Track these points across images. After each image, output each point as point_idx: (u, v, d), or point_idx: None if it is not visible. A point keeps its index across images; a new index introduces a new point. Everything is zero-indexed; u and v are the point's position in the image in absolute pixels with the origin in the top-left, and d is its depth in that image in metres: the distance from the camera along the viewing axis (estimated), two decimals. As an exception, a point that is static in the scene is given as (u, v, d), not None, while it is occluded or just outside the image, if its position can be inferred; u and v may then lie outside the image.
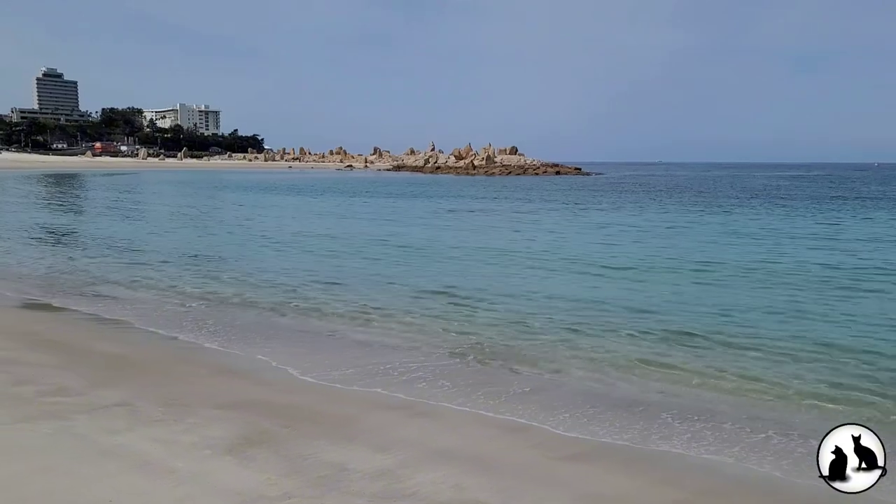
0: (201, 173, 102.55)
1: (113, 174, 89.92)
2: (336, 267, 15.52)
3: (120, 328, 9.55)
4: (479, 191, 57.63)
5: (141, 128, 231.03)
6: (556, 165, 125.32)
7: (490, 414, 6.37)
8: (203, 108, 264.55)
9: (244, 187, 60.99)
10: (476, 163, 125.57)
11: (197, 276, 14.01)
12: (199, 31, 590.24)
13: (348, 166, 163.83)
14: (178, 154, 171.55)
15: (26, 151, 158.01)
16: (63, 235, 22.09)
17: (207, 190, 57.05)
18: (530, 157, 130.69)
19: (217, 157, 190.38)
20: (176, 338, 9.19)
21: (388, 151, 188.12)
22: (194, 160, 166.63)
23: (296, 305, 11.27)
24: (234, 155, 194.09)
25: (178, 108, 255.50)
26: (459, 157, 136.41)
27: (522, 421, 6.19)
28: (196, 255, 17.33)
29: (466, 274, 14.72)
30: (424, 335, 9.32)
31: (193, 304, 11.29)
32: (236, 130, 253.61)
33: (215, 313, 10.63)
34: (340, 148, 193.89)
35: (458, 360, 8.13)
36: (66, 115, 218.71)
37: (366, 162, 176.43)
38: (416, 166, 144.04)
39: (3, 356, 7.50)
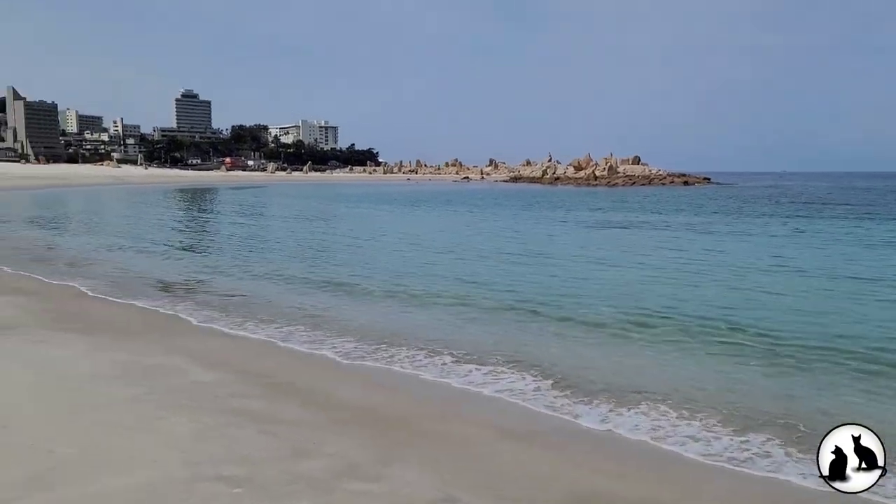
0: (330, 186, 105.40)
1: (253, 187, 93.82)
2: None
3: (355, 368, 7.94)
4: (620, 203, 54.66)
5: (266, 143, 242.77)
6: (684, 175, 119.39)
7: None
8: (323, 123, 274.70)
9: (381, 200, 61.22)
10: (597, 173, 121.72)
11: (412, 302, 12.43)
12: (318, 49, 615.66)
13: (465, 178, 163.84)
14: (304, 168, 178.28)
15: (165, 167, 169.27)
16: (256, 250, 21.57)
17: (359, 204, 57.38)
18: (654, 167, 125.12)
19: (338, 170, 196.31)
20: (418, 376, 7.52)
21: (504, 163, 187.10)
22: (318, 174, 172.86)
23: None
24: (354, 168, 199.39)
25: (300, 124, 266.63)
26: (579, 168, 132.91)
27: None
28: (400, 274, 15.87)
29: (743, 300, 12.20)
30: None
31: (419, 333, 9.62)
32: (353, 144, 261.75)
33: (463, 338, 8.85)
34: (456, 160, 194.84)
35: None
36: (200, 132, 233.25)
37: (482, 173, 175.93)
38: (533, 177, 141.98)
39: (252, 407, 5.96)
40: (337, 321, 10.22)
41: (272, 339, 9.02)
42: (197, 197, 65.20)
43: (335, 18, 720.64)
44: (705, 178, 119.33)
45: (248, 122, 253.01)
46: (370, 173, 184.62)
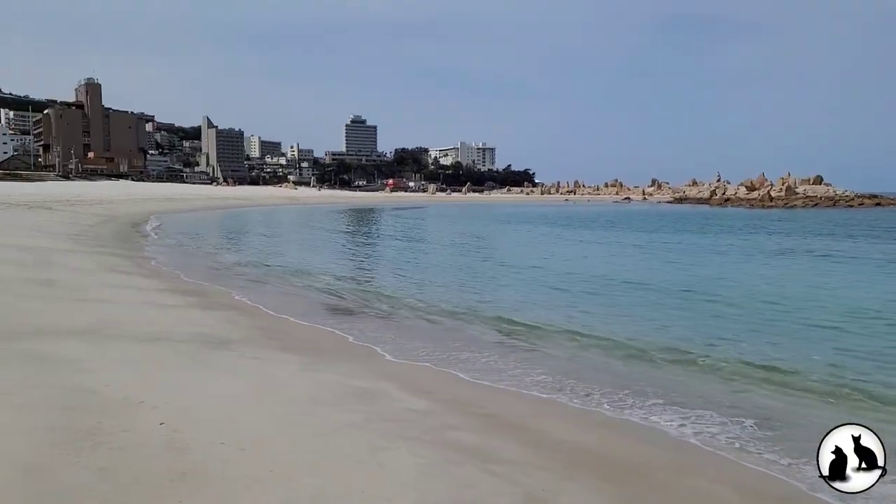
0: (489, 206, 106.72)
1: (415, 207, 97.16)
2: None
3: (559, 405, 7.42)
4: (819, 226, 50.14)
5: (426, 165, 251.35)
6: (875, 196, 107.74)
7: None
8: (480, 145, 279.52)
9: (542, 221, 60.75)
10: (773, 194, 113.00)
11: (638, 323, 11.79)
12: (475, 73, 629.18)
13: (625, 198, 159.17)
14: (463, 189, 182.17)
15: (335, 188, 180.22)
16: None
17: (521, 224, 57.58)
18: (840, 188, 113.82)
19: (495, 191, 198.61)
20: (629, 419, 6.83)
21: (667, 183, 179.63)
22: (476, 194, 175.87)
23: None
24: (511, 189, 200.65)
25: (458, 146, 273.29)
26: (751, 188, 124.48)
27: None
28: (574, 307, 15.38)
29: None
30: None
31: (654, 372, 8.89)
32: (510, 165, 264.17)
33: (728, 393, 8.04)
34: (616, 180, 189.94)
35: None
36: (367, 155, 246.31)
37: (643, 194, 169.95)
38: (700, 198, 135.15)
39: (468, 442, 5.56)
40: (523, 353, 9.79)
41: (459, 369, 8.74)
42: (365, 217, 68.38)
43: (492, 43, 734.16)
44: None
45: (410, 145, 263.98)
46: (527, 194, 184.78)
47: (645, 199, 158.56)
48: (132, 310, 10.13)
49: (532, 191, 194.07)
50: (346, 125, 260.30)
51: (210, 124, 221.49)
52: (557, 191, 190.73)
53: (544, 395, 7.61)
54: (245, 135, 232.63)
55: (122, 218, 40.67)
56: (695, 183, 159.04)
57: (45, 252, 16.46)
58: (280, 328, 10.31)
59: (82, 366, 6.45)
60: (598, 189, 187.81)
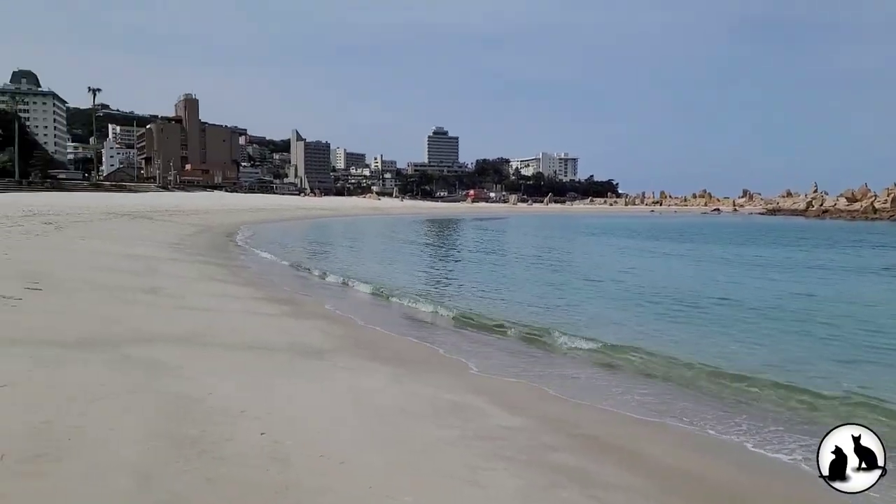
0: (571, 217, 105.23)
1: (496, 218, 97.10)
2: None
3: (658, 427, 7.09)
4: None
5: (507, 176, 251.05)
6: None
7: None
8: (562, 155, 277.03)
9: (638, 233, 59.41)
10: (877, 205, 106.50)
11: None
12: (557, 83, 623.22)
13: (714, 210, 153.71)
14: (545, 199, 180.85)
15: (417, 198, 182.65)
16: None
17: (609, 238, 56.62)
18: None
19: (577, 201, 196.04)
20: (730, 441, 6.42)
21: (759, 194, 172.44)
22: (558, 205, 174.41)
23: None
24: (594, 199, 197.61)
25: (539, 156, 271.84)
26: (852, 200, 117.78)
27: None
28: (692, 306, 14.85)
29: None
30: None
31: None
32: (592, 176, 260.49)
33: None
34: (704, 191, 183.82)
35: None
36: (448, 166, 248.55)
37: (734, 205, 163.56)
38: (795, 209, 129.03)
39: (567, 463, 5.35)
40: (616, 371, 9.46)
41: (550, 385, 8.51)
42: (447, 227, 68.81)
43: (574, 52, 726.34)
44: None
45: (491, 156, 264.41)
46: (610, 205, 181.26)
47: (735, 210, 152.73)
48: (229, 318, 10.45)
49: (616, 201, 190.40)
50: (429, 137, 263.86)
51: (298, 137, 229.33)
52: (642, 202, 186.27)
53: (645, 417, 7.28)
54: (331, 147, 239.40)
55: (217, 228, 42.49)
56: (789, 194, 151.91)
57: (149, 260, 17.32)
58: (370, 339, 10.38)
59: (183, 372, 6.65)
60: (685, 200, 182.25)
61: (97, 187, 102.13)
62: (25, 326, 7.65)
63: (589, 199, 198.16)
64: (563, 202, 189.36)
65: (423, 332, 11.78)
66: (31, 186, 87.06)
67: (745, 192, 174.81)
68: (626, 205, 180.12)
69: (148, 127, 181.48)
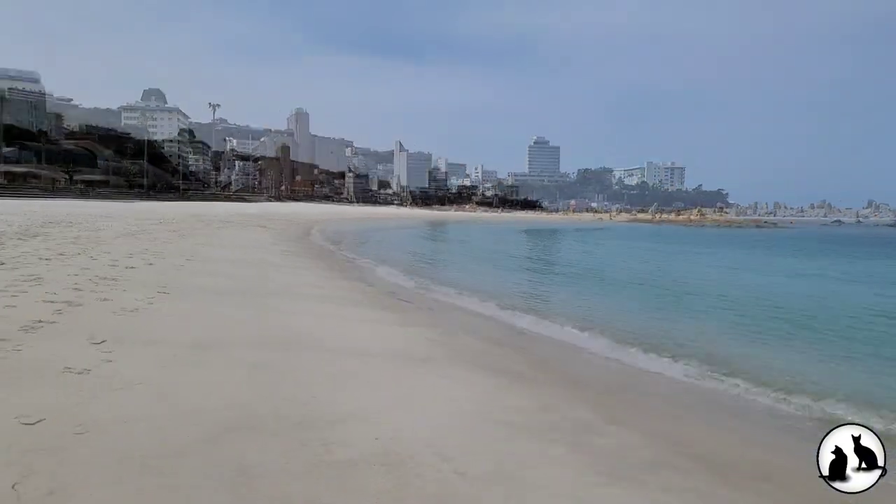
0: (679, 229, 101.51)
1: (597, 230, 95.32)
2: None
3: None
4: None
5: (610, 185, 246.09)
6: None
7: None
8: (669, 164, 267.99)
9: (746, 245, 56.67)
10: None
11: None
12: (663, 90, 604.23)
13: (835, 221, 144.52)
14: (649, 210, 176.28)
15: (516, 209, 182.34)
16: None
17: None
18: None
19: (685, 212, 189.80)
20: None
21: (887, 204, 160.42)
22: (665, 215, 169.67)
23: None
24: (703, 209, 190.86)
25: (645, 165, 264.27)
26: None
27: None
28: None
29: None
30: None
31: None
32: (700, 185, 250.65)
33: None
34: (824, 201, 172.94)
35: None
36: (549, 176, 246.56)
37: (857, 216, 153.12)
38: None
39: (685, 485, 5.13)
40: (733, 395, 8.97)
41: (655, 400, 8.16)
42: (547, 238, 68.13)
43: (680, 58, 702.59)
44: None
45: (594, 166, 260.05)
46: (721, 216, 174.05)
47: (859, 221, 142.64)
48: (337, 323, 10.74)
49: (726, 211, 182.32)
50: (529, 146, 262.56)
51: (401, 148, 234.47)
52: (754, 212, 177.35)
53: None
54: (432, 156, 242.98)
55: (326, 235, 44.10)
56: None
57: (263, 266, 18.14)
58: (474, 348, 10.37)
59: (296, 376, 6.85)
60: (801, 210, 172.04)
61: (216, 197, 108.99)
62: (157, 328, 8.17)
63: (696, 210, 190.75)
64: (670, 213, 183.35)
65: (524, 341, 11.64)
66: (159, 197, 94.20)
67: (870, 203, 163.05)
68: (736, 215, 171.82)
69: (262, 139, 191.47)
